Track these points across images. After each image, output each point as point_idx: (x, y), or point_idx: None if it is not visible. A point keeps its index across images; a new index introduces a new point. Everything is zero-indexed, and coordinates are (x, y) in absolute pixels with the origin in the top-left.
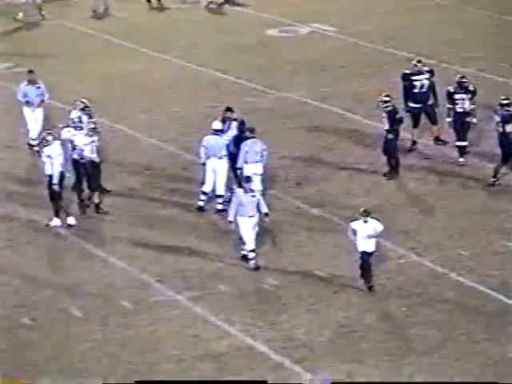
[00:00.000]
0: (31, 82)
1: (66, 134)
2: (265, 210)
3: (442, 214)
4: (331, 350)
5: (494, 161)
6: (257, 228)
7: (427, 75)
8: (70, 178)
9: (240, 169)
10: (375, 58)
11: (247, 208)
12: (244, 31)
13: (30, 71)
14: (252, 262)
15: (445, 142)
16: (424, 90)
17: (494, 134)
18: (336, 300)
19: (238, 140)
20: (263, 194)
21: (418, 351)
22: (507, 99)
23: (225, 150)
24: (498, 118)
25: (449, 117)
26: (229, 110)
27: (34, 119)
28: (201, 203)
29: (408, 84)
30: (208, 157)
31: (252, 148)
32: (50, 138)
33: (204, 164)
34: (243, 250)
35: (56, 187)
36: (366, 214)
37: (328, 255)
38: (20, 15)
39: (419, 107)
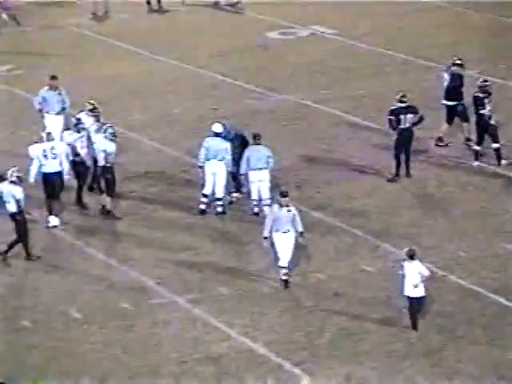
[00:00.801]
0: (52, 88)
1: (68, 137)
2: (300, 228)
3: (441, 217)
4: (331, 352)
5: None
6: (293, 245)
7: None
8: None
9: (242, 175)
10: (375, 60)
11: (282, 223)
12: (244, 33)
13: (53, 77)
14: (283, 277)
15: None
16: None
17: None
18: (336, 302)
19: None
20: (271, 201)
21: (418, 353)
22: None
23: (225, 152)
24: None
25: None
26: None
27: (53, 125)
28: (202, 206)
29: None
30: (208, 159)
31: (254, 155)
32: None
33: (202, 166)
34: (284, 273)
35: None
36: (412, 253)
37: (328, 258)
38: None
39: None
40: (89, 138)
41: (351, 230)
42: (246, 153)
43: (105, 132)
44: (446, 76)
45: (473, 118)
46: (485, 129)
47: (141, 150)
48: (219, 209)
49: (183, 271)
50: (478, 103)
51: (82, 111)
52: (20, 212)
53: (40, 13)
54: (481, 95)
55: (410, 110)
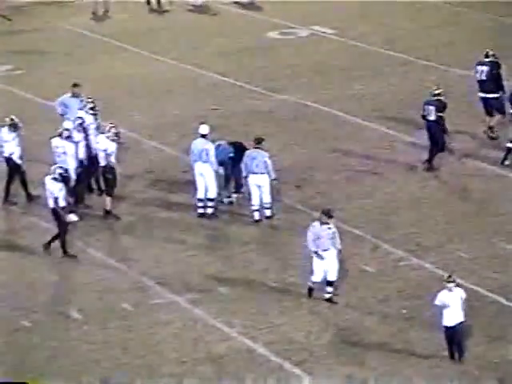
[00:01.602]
0: (75, 95)
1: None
2: (338, 245)
3: (441, 217)
4: (331, 352)
5: (496, 163)
6: (336, 263)
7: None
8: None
9: (246, 177)
10: (375, 60)
11: (323, 241)
12: (244, 33)
13: (76, 84)
14: (327, 295)
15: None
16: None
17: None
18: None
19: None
20: (272, 205)
21: (418, 354)
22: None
23: (207, 153)
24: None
25: None
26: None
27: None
28: (201, 210)
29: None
30: (194, 161)
31: (250, 159)
32: (66, 133)
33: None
34: (311, 282)
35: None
36: (451, 280)
37: None
38: None
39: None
40: (87, 138)
41: (351, 230)
42: (245, 158)
43: (108, 132)
44: (481, 68)
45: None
46: None
47: (141, 150)
48: (209, 210)
49: (183, 271)
50: None
51: (80, 109)
52: (57, 209)
53: (40, 13)
54: None
55: (433, 102)
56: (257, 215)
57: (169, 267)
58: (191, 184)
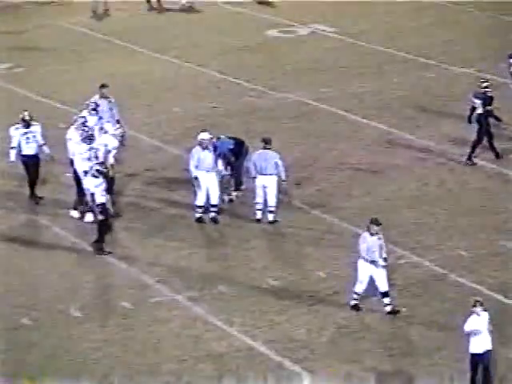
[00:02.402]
0: (103, 96)
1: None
2: (384, 254)
3: (441, 215)
4: (331, 350)
5: (496, 161)
6: (384, 271)
7: None
8: None
9: (254, 177)
10: (375, 58)
11: (372, 251)
12: (244, 32)
13: (104, 85)
14: (388, 308)
15: None
16: None
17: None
18: (336, 300)
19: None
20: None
21: (418, 352)
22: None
23: (214, 163)
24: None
25: None
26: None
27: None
28: (198, 215)
29: None
30: (199, 169)
31: (262, 160)
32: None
33: (196, 178)
34: (355, 298)
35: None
36: (479, 304)
37: (328, 255)
38: None
39: None
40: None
41: (351, 228)
42: (254, 157)
43: (115, 130)
44: None
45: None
46: None
47: (141, 149)
48: (212, 214)
49: (183, 269)
50: None
51: (85, 109)
52: (102, 203)
53: (40, 11)
54: None
55: (480, 95)
56: (259, 214)
57: (169, 265)
58: (191, 182)
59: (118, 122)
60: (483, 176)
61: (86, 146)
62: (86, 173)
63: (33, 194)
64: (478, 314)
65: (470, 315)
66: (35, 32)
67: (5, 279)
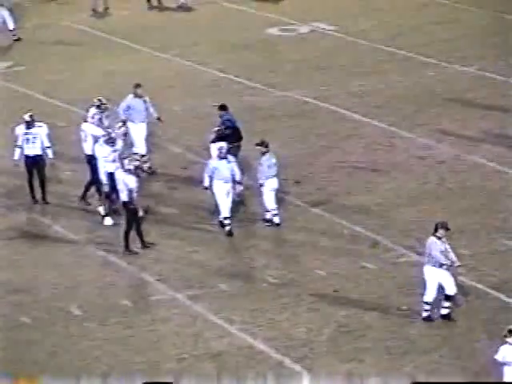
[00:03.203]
0: (138, 96)
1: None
2: (454, 257)
3: (441, 213)
4: (331, 348)
5: (494, 160)
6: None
7: None
8: None
9: (261, 185)
10: (375, 56)
11: (445, 255)
12: (244, 30)
13: (138, 85)
14: (445, 311)
15: None
16: None
17: (494, 132)
18: (336, 299)
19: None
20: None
21: (418, 350)
22: None
23: (231, 173)
24: None
25: None
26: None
27: (138, 134)
28: (228, 227)
29: None
30: (216, 179)
31: (271, 165)
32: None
33: (207, 188)
34: (426, 310)
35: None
36: None
37: (328, 254)
38: None
39: None
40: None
41: (351, 227)
42: (265, 162)
43: (117, 130)
44: None
45: None
46: None
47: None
48: (227, 227)
49: (183, 268)
50: None
51: (91, 107)
52: (131, 201)
53: (40, 9)
54: None
55: None
56: (277, 219)
57: (169, 263)
58: (191, 180)
59: (158, 119)
60: (483, 175)
61: (109, 149)
62: (110, 174)
63: (41, 195)
64: (511, 344)
65: (502, 344)
66: (35, 30)
67: (5, 277)
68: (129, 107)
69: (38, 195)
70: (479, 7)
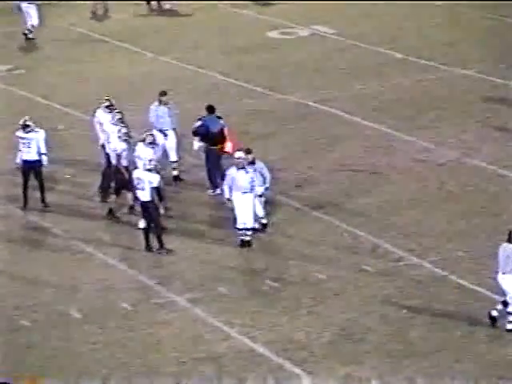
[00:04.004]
0: (162, 103)
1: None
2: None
3: (441, 216)
4: (331, 352)
5: (494, 163)
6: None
7: None
8: None
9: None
10: (375, 60)
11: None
12: (244, 33)
13: (164, 93)
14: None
15: None
16: None
17: (494, 135)
18: (336, 302)
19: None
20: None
21: (419, 353)
22: None
23: (252, 182)
24: None
25: None
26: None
27: (167, 142)
28: (241, 237)
29: None
30: (234, 191)
31: (261, 170)
32: (150, 138)
33: (229, 199)
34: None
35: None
36: None
37: (328, 257)
38: None
39: None
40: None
41: (351, 230)
42: (265, 172)
43: (118, 132)
44: None
45: None
46: None
47: None
48: (247, 238)
49: (183, 271)
50: None
51: (98, 108)
52: (152, 201)
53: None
54: None
55: None
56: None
57: (169, 267)
58: (192, 184)
59: (174, 129)
60: (483, 177)
61: (151, 150)
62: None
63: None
64: None
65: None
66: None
67: (5, 281)
68: (155, 115)
69: (32, 200)
70: (479, 10)
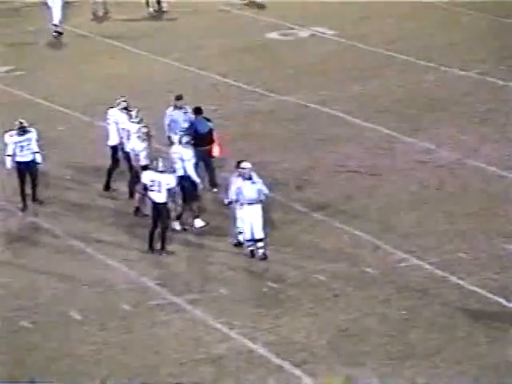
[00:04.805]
0: (178, 107)
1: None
2: None
3: (442, 218)
4: (331, 353)
5: (495, 164)
6: None
7: None
8: None
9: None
10: (375, 61)
11: None
12: (244, 34)
13: (179, 97)
14: None
15: None
16: None
17: (494, 136)
18: (336, 303)
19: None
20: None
21: (419, 354)
22: None
23: (260, 192)
24: None
25: None
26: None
27: None
28: (249, 248)
29: None
30: (241, 204)
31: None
32: (186, 139)
33: (229, 203)
34: None
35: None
36: None
37: (328, 259)
38: None
39: None
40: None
41: (351, 231)
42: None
43: (138, 131)
44: None
45: None
46: None
47: None
48: (261, 250)
49: (183, 272)
50: None
51: (111, 108)
52: (166, 203)
53: (40, 14)
54: None
55: None
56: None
57: (169, 268)
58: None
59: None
60: (483, 179)
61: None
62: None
63: (32, 196)
64: None
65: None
66: (35, 35)
67: (4, 281)
68: (171, 119)
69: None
70: (479, 11)
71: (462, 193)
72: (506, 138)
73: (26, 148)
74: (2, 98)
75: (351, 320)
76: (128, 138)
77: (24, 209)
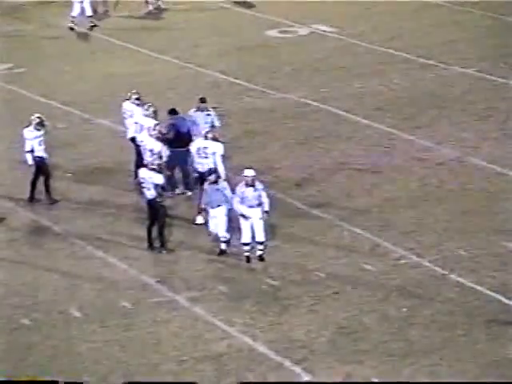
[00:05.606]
0: (200, 109)
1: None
2: None
3: (441, 215)
4: (331, 350)
5: (494, 162)
6: None
7: None
8: None
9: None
10: (375, 58)
11: None
12: (244, 32)
13: (202, 99)
14: None
15: None
16: None
17: (493, 134)
18: (336, 301)
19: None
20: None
21: (418, 352)
22: None
23: (260, 198)
24: None
25: None
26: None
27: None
28: (247, 253)
29: None
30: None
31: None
32: (210, 135)
33: (243, 215)
34: None
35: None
36: None
37: (328, 256)
38: None
39: None
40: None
41: (351, 228)
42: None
43: (153, 130)
44: None
45: None
46: None
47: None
48: (259, 252)
49: (183, 269)
50: None
51: (126, 100)
52: (157, 199)
53: (40, 11)
54: None
55: None
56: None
57: (168, 265)
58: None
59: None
60: (483, 176)
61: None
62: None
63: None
64: None
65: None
66: (36, 32)
67: (4, 280)
68: (193, 121)
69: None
70: (479, 9)
71: (462, 190)
72: (505, 135)
73: (44, 143)
74: (1, 96)
75: (351, 317)
76: (140, 131)
77: (31, 200)
